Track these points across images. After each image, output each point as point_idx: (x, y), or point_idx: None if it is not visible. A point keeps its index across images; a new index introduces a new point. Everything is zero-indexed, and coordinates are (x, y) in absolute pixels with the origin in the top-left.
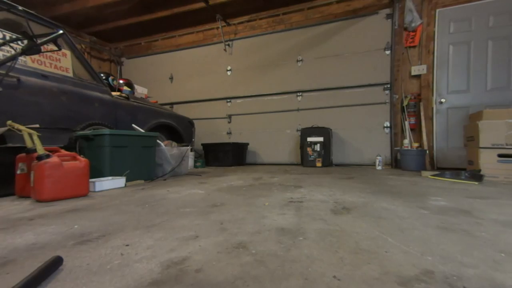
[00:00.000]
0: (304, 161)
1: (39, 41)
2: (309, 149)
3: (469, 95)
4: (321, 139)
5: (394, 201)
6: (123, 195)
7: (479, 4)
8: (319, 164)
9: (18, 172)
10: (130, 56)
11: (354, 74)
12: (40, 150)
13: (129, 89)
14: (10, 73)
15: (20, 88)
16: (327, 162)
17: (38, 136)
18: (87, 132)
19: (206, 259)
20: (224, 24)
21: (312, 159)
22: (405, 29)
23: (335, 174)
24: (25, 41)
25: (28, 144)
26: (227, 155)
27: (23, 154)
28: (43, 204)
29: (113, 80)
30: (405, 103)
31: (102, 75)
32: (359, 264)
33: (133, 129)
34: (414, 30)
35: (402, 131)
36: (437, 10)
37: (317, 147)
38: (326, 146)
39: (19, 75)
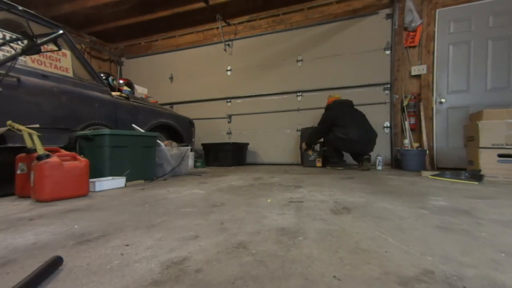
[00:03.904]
0: (304, 161)
1: (39, 41)
2: (309, 150)
3: (469, 95)
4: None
5: (394, 201)
6: (123, 195)
7: (479, 4)
8: (319, 164)
9: (18, 172)
10: (130, 56)
11: (354, 74)
12: (40, 150)
13: (129, 89)
14: (10, 73)
15: (20, 88)
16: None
17: (38, 136)
18: (87, 132)
19: (206, 259)
20: (224, 24)
21: (312, 159)
22: (405, 29)
23: (335, 174)
24: (25, 41)
25: (28, 144)
26: (227, 155)
27: (23, 154)
28: (43, 204)
29: (113, 80)
30: (405, 103)
31: (102, 75)
32: (359, 264)
33: (133, 129)
34: (414, 30)
35: (402, 131)
36: (437, 10)
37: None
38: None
39: (19, 75)
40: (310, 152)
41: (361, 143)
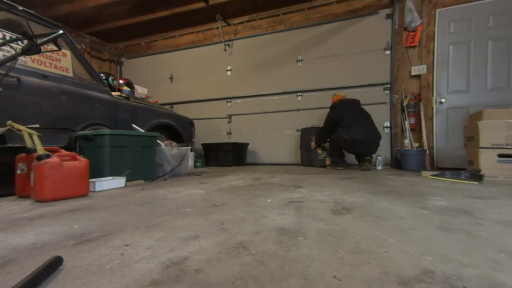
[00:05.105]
0: (314, 161)
1: (39, 41)
2: (319, 148)
3: (469, 95)
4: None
5: (394, 201)
6: (123, 195)
7: (479, 4)
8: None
9: (18, 172)
10: (130, 56)
11: (354, 74)
12: (40, 150)
13: (129, 89)
14: (10, 73)
15: (20, 88)
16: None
17: (38, 136)
18: (87, 132)
19: (206, 259)
20: (224, 24)
21: (321, 158)
22: (405, 29)
23: (335, 174)
24: (25, 41)
25: (28, 144)
26: (227, 155)
27: (23, 154)
28: (43, 204)
29: (113, 80)
30: (405, 103)
31: (102, 75)
32: (359, 264)
33: (133, 129)
34: (414, 30)
35: (402, 131)
36: (437, 10)
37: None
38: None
39: (19, 75)
40: (319, 151)
41: (364, 144)
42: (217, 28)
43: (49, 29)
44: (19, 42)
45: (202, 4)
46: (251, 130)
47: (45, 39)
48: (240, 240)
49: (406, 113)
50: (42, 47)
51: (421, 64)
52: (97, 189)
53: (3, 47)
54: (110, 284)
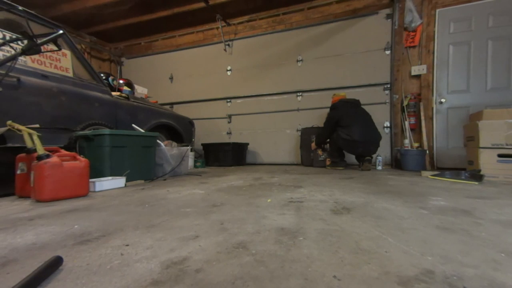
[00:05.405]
0: (315, 161)
1: (39, 41)
2: (319, 149)
3: (469, 95)
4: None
5: (394, 201)
6: (123, 195)
7: (479, 4)
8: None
9: (18, 172)
10: (130, 56)
11: (354, 74)
12: (40, 150)
13: (129, 89)
14: (10, 73)
15: (20, 88)
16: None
17: (38, 136)
18: (87, 132)
19: (206, 259)
20: (224, 24)
21: (322, 159)
22: (405, 29)
23: (335, 174)
24: (25, 41)
25: (28, 144)
26: (227, 155)
27: (23, 154)
28: (43, 204)
29: (113, 80)
30: (405, 103)
31: (102, 75)
32: (359, 264)
33: (133, 129)
34: (414, 30)
35: (402, 131)
36: (437, 10)
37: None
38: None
39: (19, 75)
40: (320, 152)
41: (364, 144)
42: (217, 28)
43: (49, 29)
44: (19, 42)
45: (202, 4)
46: (251, 130)
47: (45, 39)
48: (240, 240)
49: (406, 113)
50: (42, 47)
51: (421, 64)
52: (97, 189)
53: (3, 47)
54: (110, 284)
